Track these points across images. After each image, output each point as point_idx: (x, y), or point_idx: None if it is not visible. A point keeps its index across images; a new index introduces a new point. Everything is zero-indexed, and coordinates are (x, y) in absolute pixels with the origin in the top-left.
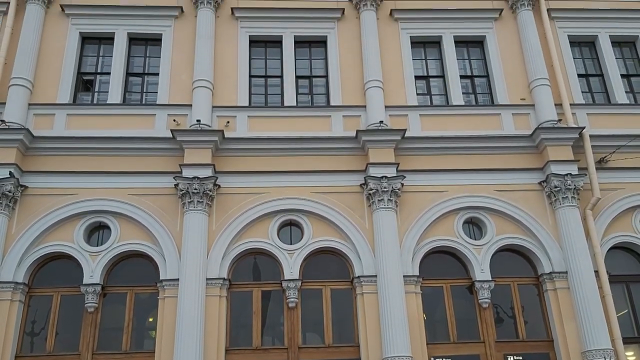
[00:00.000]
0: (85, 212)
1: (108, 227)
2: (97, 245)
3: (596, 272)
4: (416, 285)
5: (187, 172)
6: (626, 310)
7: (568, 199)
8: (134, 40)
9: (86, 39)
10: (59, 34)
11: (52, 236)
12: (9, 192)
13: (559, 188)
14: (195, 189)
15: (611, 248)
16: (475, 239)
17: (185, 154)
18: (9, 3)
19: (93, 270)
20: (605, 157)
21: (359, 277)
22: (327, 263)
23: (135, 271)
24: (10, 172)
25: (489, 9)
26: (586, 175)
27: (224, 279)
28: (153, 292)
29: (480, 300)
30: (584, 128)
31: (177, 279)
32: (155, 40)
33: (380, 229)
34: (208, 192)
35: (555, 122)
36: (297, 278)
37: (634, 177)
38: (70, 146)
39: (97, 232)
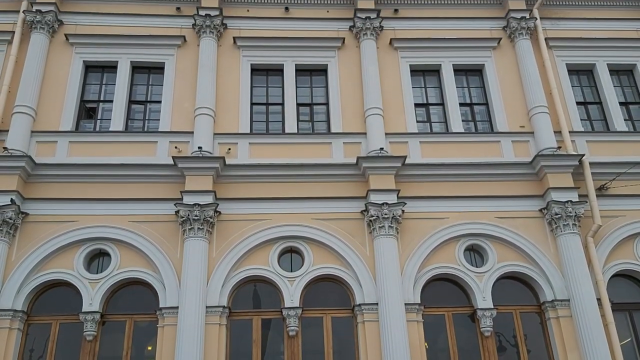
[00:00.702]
0: (86, 239)
1: (108, 254)
2: (97, 273)
3: (599, 300)
4: (418, 313)
5: (188, 199)
6: (629, 339)
7: (569, 226)
8: (137, 68)
9: (89, 67)
10: (63, 63)
11: (52, 263)
12: (10, 219)
13: (559, 215)
14: (196, 216)
15: (613, 276)
16: (477, 267)
17: (186, 180)
18: (14, 32)
19: (92, 298)
20: (605, 184)
21: (359, 305)
22: (328, 291)
23: (135, 299)
24: (11, 199)
25: (488, 38)
26: (587, 202)
27: (223, 307)
28: (152, 320)
29: (483, 329)
30: (583, 155)
31: (177, 307)
32: (158, 69)
33: (381, 256)
34: (208, 218)
35: (555, 150)
36: (298, 306)
37: (635, 204)
38: (71, 173)
39: (97, 259)
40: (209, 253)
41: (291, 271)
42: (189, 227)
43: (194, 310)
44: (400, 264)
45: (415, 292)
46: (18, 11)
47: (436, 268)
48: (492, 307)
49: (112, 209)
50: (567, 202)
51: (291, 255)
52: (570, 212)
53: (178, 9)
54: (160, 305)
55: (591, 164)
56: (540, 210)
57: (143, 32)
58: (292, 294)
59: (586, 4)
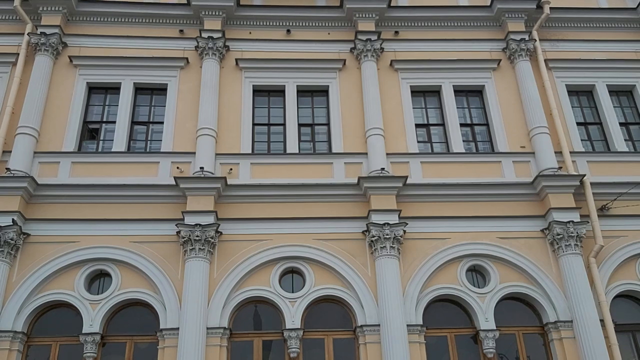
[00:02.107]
0: (87, 259)
1: (109, 275)
2: (98, 294)
3: (602, 321)
4: (420, 334)
5: (189, 219)
6: None
7: (571, 247)
8: (140, 89)
9: (93, 88)
10: (67, 84)
11: (52, 284)
12: (11, 239)
13: (561, 235)
14: (197, 236)
15: (616, 296)
16: (479, 287)
17: (187, 201)
18: (18, 54)
19: (93, 319)
20: (606, 204)
21: (361, 326)
22: (329, 312)
23: (135, 320)
24: (13, 219)
25: (487, 59)
26: (588, 222)
27: (224, 328)
28: (152, 341)
29: (485, 350)
30: (584, 175)
31: (177, 328)
32: (160, 90)
33: (383, 277)
34: (210, 239)
35: (556, 170)
36: (299, 327)
37: (637, 225)
38: (73, 194)
39: (98, 280)
40: (210, 273)
41: (292, 292)
42: (190, 248)
43: (194, 331)
44: (402, 285)
45: (417, 314)
46: (23, 34)
47: (438, 289)
48: (495, 328)
49: (114, 229)
50: (568, 222)
51: (292, 276)
52: (572, 233)
53: (181, 31)
54: (161, 327)
55: (592, 184)
56: (542, 230)
57: (146, 54)
58: (293, 315)
59: (585, 25)
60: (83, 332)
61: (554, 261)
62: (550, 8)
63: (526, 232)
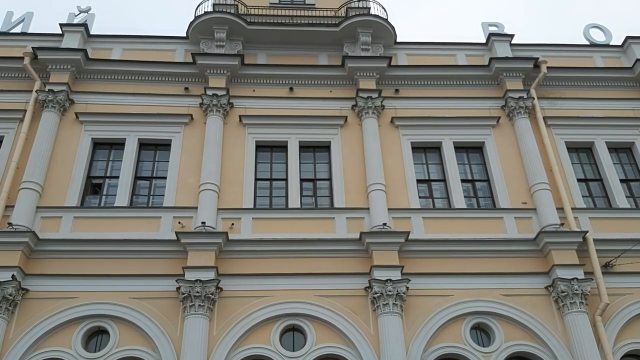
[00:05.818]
0: (85, 316)
1: (107, 332)
2: (95, 351)
3: None
4: None
5: (190, 275)
6: None
7: (576, 304)
8: (144, 145)
9: (97, 144)
10: (72, 140)
11: (49, 342)
12: (10, 295)
13: (566, 293)
14: (197, 292)
15: (624, 356)
16: (484, 346)
17: (188, 256)
18: (25, 111)
19: None
20: (610, 261)
21: None
22: None
23: None
24: (12, 275)
25: (487, 116)
26: (593, 279)
27: None
28: None
29: None
30: (587, 232)
31: None
32: (164, 145)
33: (386, 335)
34: (210, 295)
35: (558, 226)
36: None
37: None
38: (74, 249)
39: (95, 337)
40: (209, 331)
41: (293, 350)
42: (190, 304)
43: None
44: (405, 343)
45: None
46: (30, 91)
47: (442, 348)
48: None
49: (113, 285)
50: (572, 279)
51: (293, 334)
52: (576, 290)
53: (186, 89)
54: None
55: (595, 240)
56: (546, 287)
57: (151, 111)
58: None
59: (582, 84)
60: None
61: (559, 319)
62: (548, 67)
63: (530, 289)
